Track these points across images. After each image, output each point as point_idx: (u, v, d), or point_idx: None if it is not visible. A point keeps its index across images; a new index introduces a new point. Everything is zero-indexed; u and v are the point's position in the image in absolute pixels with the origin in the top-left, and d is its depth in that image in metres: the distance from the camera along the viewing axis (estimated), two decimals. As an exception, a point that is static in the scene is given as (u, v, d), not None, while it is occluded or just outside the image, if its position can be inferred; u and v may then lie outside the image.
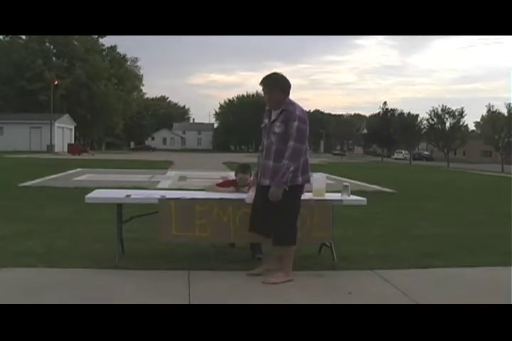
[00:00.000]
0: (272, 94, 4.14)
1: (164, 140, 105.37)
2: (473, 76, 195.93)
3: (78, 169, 19.96)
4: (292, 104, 4.20)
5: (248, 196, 4.52)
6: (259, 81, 4.21)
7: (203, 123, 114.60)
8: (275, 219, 4.21)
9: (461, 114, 48.09)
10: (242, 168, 5.21)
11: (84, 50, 62.72)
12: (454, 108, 48.50)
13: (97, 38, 65.60)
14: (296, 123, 4.09)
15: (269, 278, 4.22)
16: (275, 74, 4.24)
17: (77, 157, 37.65)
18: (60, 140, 53.34)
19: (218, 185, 5.44)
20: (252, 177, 4.71)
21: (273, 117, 4.20)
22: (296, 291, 4.05)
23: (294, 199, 4.26)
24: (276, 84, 4.17)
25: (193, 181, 15.38)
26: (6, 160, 27.05)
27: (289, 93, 4.25)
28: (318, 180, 4.93)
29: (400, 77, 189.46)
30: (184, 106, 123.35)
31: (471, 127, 62.49)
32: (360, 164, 42.14)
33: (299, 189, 4.29)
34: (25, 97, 58.98)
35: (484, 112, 47.96)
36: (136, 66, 75.53)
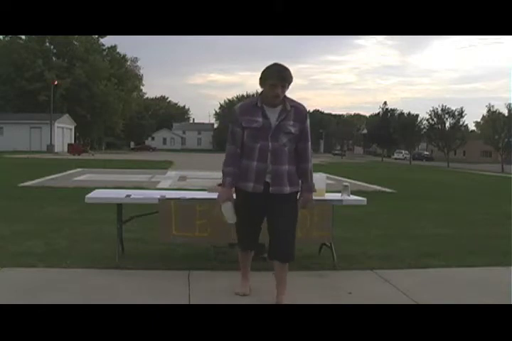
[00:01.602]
0: (286, 89, 3.54)
1: (164, 140, 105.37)
2: (473, 76, 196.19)
3: (78, 169, 19.97)
4: (292, 99, 3.68)
5: (228, 212, 3.74)
6: (280, 74, 3.49)
7: (203, 123, 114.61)
8: (286, 232, 3.60)
9: (461, 114, 48.20)
10: None
11: (84, 50, 62.75)
12: (453, 108, 48.67)
13: (97, 38, 65.62)
14: (308, 121, 3.69)
15: (283, 299, 3.67)
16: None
17: (77, 157, 37.67)
18: (60, 140, 53.40)
19: (220, 185, 5.45)
20: (223, 189, 3.73)
21: (276, 115, 3.54)
22: (296, 291, 4.05)
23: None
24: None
25: (193, 181, 15.39)
26: (6, 160, 27.06)
27: None
28: (318, 180, 4.92)
29: (400, 77, 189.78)
30: (184, 106, 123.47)
31: (471, 127, 62.67)
32: (360, 164, 42.15)
33: None
34: (25, 97, 59.03)
35: (484, 112, 48.16)
36: (136, 66, 75.66)
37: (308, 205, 3.77)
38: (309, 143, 3.69)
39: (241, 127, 3.60)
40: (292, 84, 3.66)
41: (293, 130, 3.55)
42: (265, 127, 3.54)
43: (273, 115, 3.55)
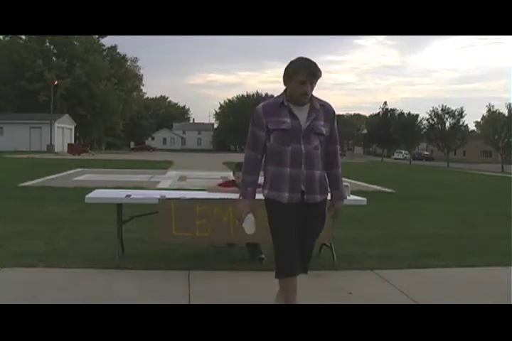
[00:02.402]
0: (314, 86, 3.21)
1: (164, 140, 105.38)
2: (473, 76, 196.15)
3: (78, 169, 19.98)
4: (319, 98, 3.33)
5: (249, 225, 3.29)
6: (309, 69, 3.14)
7: (203, 123, 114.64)
8: (312, 246, 3.43)
9: (461, 114, 48.18)
10: (238, 167, 5.22)
11: (84, 50, 62.75)
12: (453, 108, 48.66)
13: (97, 38, 65.65)
14: (336, 121, 3.38)
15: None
16: None
17: (77, 157, 37.68)
18: (60, 140, 53.40)
19: (220, 185, 5.46)
20: (244, 201, 3.29)
21: (306, 115, 3.19)
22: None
23: None
24: None
25: (193, 181, 15.40)
26: (6, 160, 27.06)
27: None
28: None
29: (399, 77, 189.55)
30: (184, 106, 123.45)
31: (471, 127, 62.65)
32: (360, 164, 42.13)
33: None
34: (25, 97, 59.03)
35: (484, 112, 48.11)
36: (136, 66, 75.59)
37: (338, 215, 3.47)
38: (338, 145, 3.38)
39: (265, 130, 3.20)
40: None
41: (324, 131, 3.22)
42: (295, 128, 3.16)
43: (302, 114, 3.19)
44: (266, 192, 3.25)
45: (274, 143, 3.19)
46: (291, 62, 3.20)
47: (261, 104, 3.31)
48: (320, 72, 3.17)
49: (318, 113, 3.21)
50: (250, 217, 3.26)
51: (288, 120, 3.16)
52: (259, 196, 4.74)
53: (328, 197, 3.40)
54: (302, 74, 3.11)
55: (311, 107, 3.21)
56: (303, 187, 3.19)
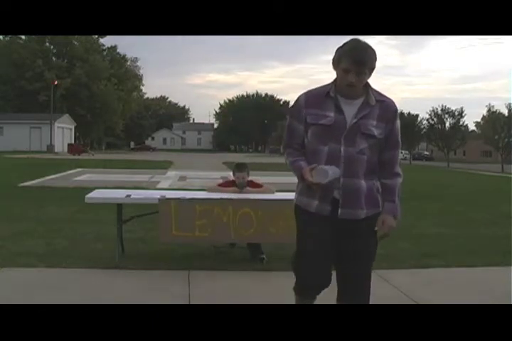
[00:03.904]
0: (366, 76, 2.64)
1: (164, 140, 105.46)
2: (473, 76, 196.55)
3: (78, 169, 19.98)
4: (380, 92, 2.73)
5: (332, 170, 2.53)
6: (356, 55, 2.59)
7: (203, 123, 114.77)
8: (361, 276, 2.78)
9: (461, 114, 48.20)
10: (238, 167, 5.27)
11: (84, 50, 62.83)
12: (453, 108, 48.69)
13: (97, 38, 65.71)
14: (398, 122, 2.74)
15: None
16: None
17: (77, 157, 37.69)
18: (60, 140, 53.45)
19: (220, 185, 5.47)
20: (302, 170, 2.61)
21: (355, 110, 2.61)
22: (296, 291, 4.04)
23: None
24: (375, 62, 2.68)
25: (193, 181, 15.39)
26: (6, 160, 27.06)
27: None
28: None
29: (399, 77, 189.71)
30: (184, 106, 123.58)
31: (471, 127, 62.59)
32: (360, 164, 42.09)
33: None
34: (25, 97, 59.12)
35: (484, 112, 48.09)
36: (136, 66, 75.73)
37: (389, 234, 2.70)
38: (398, 151, 2.76)
39: (304, 123, 2.66)
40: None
41: (376, 132, 2.60)
42: (338, 125, 2.58)
43: (350, 110, 2.61)
44: (296, 196, 2.79)
45: (311, 140, 2.66)
46: (343, 44, 2.70)
47: (304, 92, 2.76)
48: (372, 60, 2.63)
49: (373, 110, 2.62)
50: (317, 168, 2.56)
51: (331, 114, 2.60)
52: (260, 196, 4.75)
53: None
54: (346, 61, 2.57)
55: (365, 102, 2.63)
56: (337, 196, 2.61)
